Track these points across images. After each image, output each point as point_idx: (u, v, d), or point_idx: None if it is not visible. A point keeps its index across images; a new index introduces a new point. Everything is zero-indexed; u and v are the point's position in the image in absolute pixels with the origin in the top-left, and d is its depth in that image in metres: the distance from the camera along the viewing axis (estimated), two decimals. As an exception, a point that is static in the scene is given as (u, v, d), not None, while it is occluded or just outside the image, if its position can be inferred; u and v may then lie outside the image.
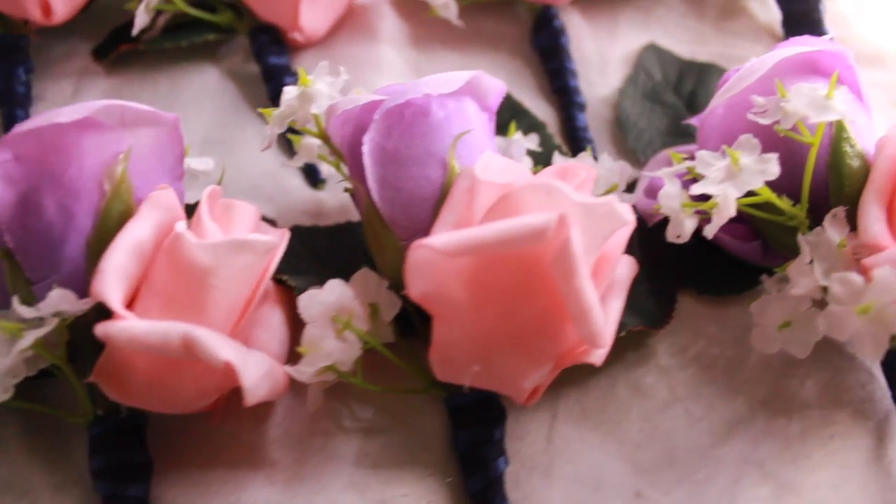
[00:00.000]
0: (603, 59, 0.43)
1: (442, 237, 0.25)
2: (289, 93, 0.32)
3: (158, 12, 0.41)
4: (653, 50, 0.43)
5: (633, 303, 0.33)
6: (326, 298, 0.28)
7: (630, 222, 0.26)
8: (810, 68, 0.32)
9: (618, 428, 0.31)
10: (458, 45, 0.43)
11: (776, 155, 0.28)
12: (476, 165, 0.26)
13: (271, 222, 0.36)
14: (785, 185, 0.30)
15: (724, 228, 0.33)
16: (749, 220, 0.32)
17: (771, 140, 0.29)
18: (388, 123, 0.30)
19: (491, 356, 0.27)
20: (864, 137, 0.32)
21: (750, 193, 0.29)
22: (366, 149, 0.30)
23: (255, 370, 0.27)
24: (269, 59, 0.41)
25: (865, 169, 0.30)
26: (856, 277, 0.28)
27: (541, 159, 0.37)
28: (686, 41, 0.44)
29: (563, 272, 0.25)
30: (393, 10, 0.44)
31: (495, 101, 0.33)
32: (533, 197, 0.25)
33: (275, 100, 0.40)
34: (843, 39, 0.44)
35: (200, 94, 0.41)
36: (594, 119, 0.41)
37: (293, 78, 0.40)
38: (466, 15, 0.44)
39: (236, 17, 0.42)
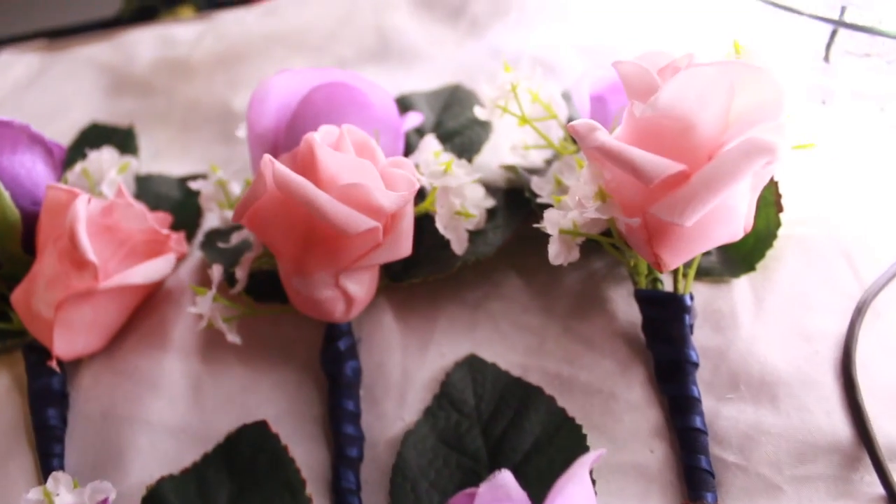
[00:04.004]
0: (406, 379, 0.35)
1: None
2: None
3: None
4: (468, 366, 0.35)
5: None
6: None
7: None
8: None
9: None
10: (250, 356, 0.37)
11: None
12: None
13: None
14: None
15: None
16: None
17: None
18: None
19: None
20: None
21: None
22: None
23: None
24: (34, 381, 0.37)
25: None
26: None
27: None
28: (520, 348, 0.36)
29: None
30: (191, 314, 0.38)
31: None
32: None
33: (36, 429, 0.36)
34: (720, 353, 0.34)
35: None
36: (374, 469, 0.33)
37: (54, 409, 0.36)
38: (269, 318, 0.38)
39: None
